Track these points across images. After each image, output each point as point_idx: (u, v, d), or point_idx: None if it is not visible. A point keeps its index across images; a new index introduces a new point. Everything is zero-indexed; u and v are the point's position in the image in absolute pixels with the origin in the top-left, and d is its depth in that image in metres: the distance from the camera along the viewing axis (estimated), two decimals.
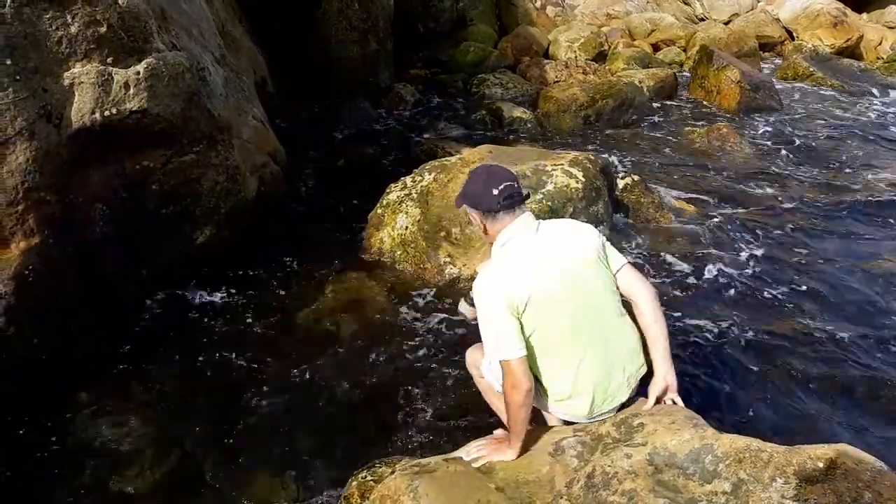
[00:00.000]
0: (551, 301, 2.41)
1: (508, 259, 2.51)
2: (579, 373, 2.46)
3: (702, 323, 4.14)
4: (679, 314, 4.19)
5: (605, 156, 6.52)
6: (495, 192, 2.51)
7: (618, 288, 2.58)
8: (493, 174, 2.60)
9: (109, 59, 3.64)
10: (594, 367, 2.46)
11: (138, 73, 3.72)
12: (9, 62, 3.27)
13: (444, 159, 5.46)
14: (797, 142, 7.73)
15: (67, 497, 2.97)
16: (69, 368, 3.58)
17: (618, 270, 2.59)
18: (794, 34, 12.24)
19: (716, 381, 3.63)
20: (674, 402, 2.53)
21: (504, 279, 2.44)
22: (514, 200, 2.53)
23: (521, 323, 2.40)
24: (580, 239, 2.57)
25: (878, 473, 1.93)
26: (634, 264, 2.66)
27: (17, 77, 3.31)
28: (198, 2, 4.98)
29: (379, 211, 5.03)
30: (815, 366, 3.75)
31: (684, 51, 11.47)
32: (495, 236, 2.58)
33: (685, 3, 13.64)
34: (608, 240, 2.76)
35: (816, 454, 2.00)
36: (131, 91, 3.70)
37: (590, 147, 7.20)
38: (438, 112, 8.26)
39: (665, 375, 2.52)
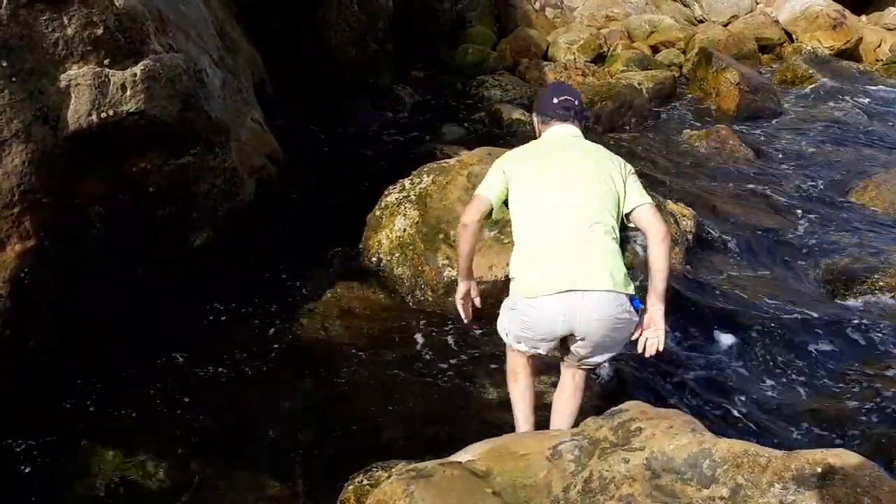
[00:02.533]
0: (523, 184, 2.74)
1: (531, 144, 2.94)
2: (535, 247, 2.66)
3: (698, 325, 4.13)
4: (675, 316, 4.18)
5: None
6: (555, 100, 2.87)
7: (619, 214, 2.72)
8: (558, 88, 3.12)
9: (106, 61, 3.63)
10: (548, 250, 2.61)
11: (135, 74, 3.71)
12: (5, 64, 3.27)
13: (442, 161, 5.44)
14: (796, 144, 7.73)
15: (64, 498, 2.96)
16: (66, 370, 3.57)
17: (636, 207, 2.71)
18: (794, 36, 12.23)
19: (714, 385, 3.63)
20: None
21: (514, 152, 2.91)
22: (568, 112, 2.86)
23: (506, 186, 2.77)
24: (598, 159, 2.78)
25: (876, 479, 1.91)
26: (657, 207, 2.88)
27: (14, 79, 3.30)
28: (196, 3, 4.98)
29: (377, 213, 5.01)
30: (813, 370, 3.74)
31: (683, 53, 11.46)
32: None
33: (684, 5, 13.62)
34: None
35: (815, 459, 1.99)
36: (128, 93, 3.69)
37: None
38: (437, 114, 8.25)
39: (651, 309, 2.69)
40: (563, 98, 2.87)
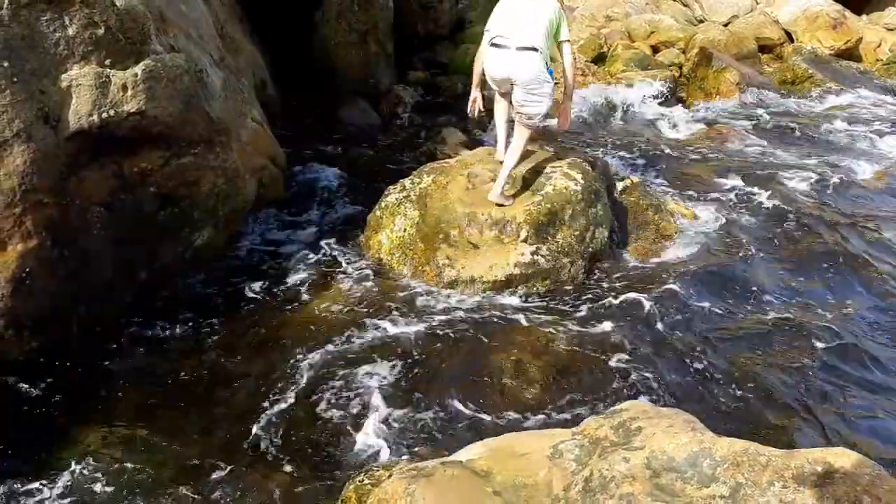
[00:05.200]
0: (498, 12, 4.51)
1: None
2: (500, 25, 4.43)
3: (698, 326, 4.13)
4: (676, 317, 4.19)
5: (604, 157, 6.52)
6: None
7: (551, 38, 4.41)
8: None
9: (107, 61, 3.64)
10: (505, 28, 4.38)
11: (136, 75, 3.72)
12: (6, 64, 3.27)
13: (442, 161, 5.46)
14: (796, 144, 7.73)
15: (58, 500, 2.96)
16: (66, 371, 3.58)
17: (561, 41, 4.48)
18: (794, 36, 12.19)
19: (713, 384, 3.62)
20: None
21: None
22: None
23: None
24: (543, 5, 4.43)
25: (876, 477, 1.92)
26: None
27: (15, 79, 3.31)
28: (196, 3, 4.98)
29: (377, 213, 5.01)
30: (812, 371, 3.74)
31: (683, 52, 11.42)
32: None
33: (684, 5, 13.60)
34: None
35: (814, 458, 1.99)
36: (129, 93, 3.70)
37: (589, 149, 7.20)
38: (438, 114, 8.24)
39: (562, 105, 4.70)
40: None
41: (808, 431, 3.28)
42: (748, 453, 2.04)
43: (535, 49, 4.27)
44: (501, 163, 4.78)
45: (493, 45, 4.39)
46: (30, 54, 3.39)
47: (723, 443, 2.11)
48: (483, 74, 4.59)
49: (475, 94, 4.70)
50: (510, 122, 4.84)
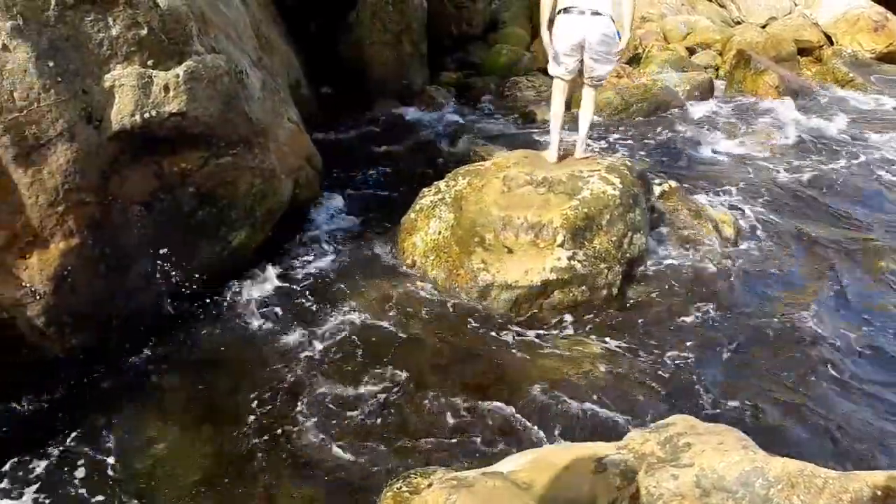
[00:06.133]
0: None
1: None
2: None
3: (741, 338, 4.04)
4: (717, 328, 4.11)
5: (641, 160, 6.44)
6: None
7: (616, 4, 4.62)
8: None
9: (150, 62, 3.66)
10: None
11: (178, 75, 3.73)
12: (51, 64, 3.30)
13: (478, 164, 5.42)
14: (838, 148, 7.56)
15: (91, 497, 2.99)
16: (106, 368, 3.61)
17: None
18: (834, 39, 11.97)
19: (760, 400, 3.53)
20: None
21: None
22: None
23: None
24: None
25: None
26: None
27: (59, 79, 3.34)
28: (235, 3, 5.00)
29: (412, 215, 4.99)
30: (869, 389, 3.62)
31: (720, 54, 11.28)
32: None
33: (720, 6, 13.42)
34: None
35: (873, 481, 1.93)
36: (171, 94, 3.72)
37: (625, 151, 7.10)
38: (471, 115, 8.22)
39: (624, 36, 4.74)
40: None
41: (865, 452, 3.17)
42: (804, 474, 1.98)
43: (604, 14, 4.61)
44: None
45: (565, 11, 4.68)
46: (74, 54, 3.42)
47: (776, 462, 2.05)
48: (550, 13, 4.80)
49: (546, 36, 4.86)
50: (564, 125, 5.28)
